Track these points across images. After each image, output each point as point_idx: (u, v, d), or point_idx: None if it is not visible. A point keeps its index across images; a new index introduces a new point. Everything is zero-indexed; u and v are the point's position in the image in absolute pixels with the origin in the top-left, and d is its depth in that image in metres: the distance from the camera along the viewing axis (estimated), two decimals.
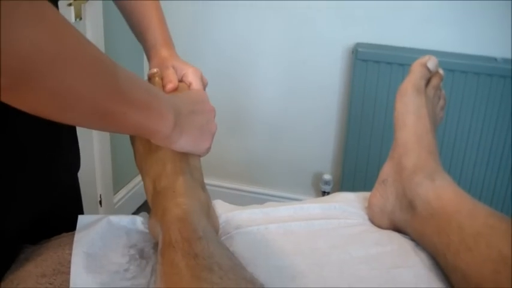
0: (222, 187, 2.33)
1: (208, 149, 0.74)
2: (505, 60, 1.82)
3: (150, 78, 0.81)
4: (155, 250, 0.68)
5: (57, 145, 0.77)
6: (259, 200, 2.22)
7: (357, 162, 2.03)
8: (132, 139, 0.78)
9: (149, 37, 0.87)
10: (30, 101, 0.45)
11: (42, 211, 0.74)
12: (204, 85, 0.83)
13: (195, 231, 0.58)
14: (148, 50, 0.87)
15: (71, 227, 0.73)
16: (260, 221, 0.76)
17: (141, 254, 0.68)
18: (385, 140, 1.94)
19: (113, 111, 0.53)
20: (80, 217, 0.74)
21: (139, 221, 0.75)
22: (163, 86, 0.78)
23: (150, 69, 0.83)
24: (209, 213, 0.70)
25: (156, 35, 0.86)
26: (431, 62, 0.82)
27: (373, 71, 1.88)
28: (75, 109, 0.49)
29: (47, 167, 0.74)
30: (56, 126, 0.73)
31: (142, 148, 0.74)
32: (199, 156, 0.75)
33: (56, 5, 0.74)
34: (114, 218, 0.74)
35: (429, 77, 0.83)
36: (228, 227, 0.74)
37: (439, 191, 0.72)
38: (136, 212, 2.26)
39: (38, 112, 0.47)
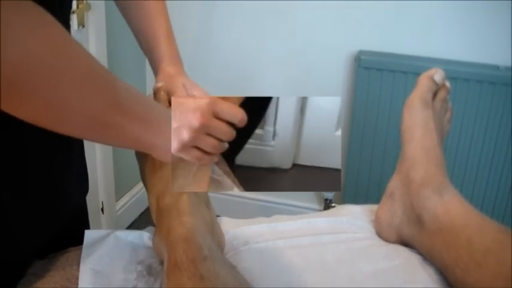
0: (226, 195, 2.32)
1: None
2: (507, 68, 1.82)
3: (156, 93, 0.80)
4: (163, 266, 0.68)
5: (68, 164, 0.75)
6: (263, 207, 2.22)
7: (359, 170, 2.02)
8: (138, 155, 0.77)
9: (156, 50, 0.84)
10: (25, 111, 0.45)
11: (55, 231, 0.73)
12: None
13: (200, 251, 0.58)
14: (154, 63, 0.85)
15: (78, 241, 0.73)
16: (268, 236, 0.76)
17: (149, 271, 0.68)
18: (388, 147, 1.94)
19: (111, 124, 0.52)
20: (86, 232, 0.74)
21: (146, 236, 0.75)
22: None
23: (156, 82, 0.82)
24: (214, 231, 0.69)
25: (163, 49, 0.84)
26: (438, 75, 0.82)
27: (375, 78, 1.88)
28: (71, 120, 0.48)
29: (58, 188, 0.73)
30: (68, 146, 0.72)
31: (147, 164, 0.74)
32: None
33: (68, 17, 0.73)
34: (121, 234, 0.74)
35: (436, 89, 0.83)
36: (236, 243, 0.74)
37: (448, 206, 0.72)
38: (138, 219, 2.27)
39: (34, 122, 0.46)
